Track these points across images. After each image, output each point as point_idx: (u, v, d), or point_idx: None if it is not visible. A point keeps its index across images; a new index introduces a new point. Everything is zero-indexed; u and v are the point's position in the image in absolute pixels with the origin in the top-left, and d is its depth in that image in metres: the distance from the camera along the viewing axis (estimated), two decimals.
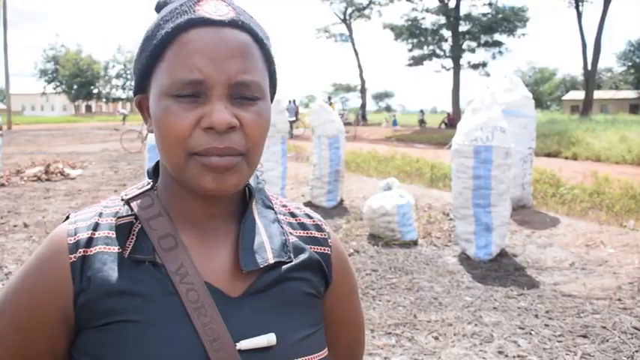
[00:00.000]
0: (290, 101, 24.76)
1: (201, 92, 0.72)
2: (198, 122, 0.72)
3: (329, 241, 0.90)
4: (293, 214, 0.90)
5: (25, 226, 6.77)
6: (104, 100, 73.88)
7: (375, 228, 6.12)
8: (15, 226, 6.78)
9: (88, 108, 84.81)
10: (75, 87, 66.34)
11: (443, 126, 33.33)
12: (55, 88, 68.62)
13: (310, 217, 0.91)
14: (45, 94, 70.14)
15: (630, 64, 55.32)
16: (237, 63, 0.72)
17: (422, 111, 38.85)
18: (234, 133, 0.72)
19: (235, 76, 0.72)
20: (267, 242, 0.81)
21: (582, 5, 34.92)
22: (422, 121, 36.03)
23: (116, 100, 74.05)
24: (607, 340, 3.58)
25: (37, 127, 37.10)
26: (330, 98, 37.28)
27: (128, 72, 71.66)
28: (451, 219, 6.52)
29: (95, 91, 69.75)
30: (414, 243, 5.95)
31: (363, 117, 41.72)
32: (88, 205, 0.84)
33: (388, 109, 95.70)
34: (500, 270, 5.07)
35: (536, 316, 4.00)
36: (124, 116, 40.85)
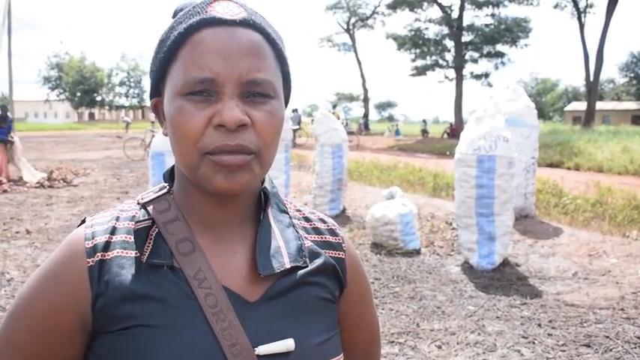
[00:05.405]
0: (293, 110, 24.83)
1: (212, 91, 0.72)
2: (210, 120, 0.71)
3: (343, 245, 0.89)
4: (307, 219, 0.90)
5: (28, 232, 6.79)
6: (107, 107, 73.97)
7: (378, 237, 6.12)
8: (17, 232, 6.80)
9: (91, 115, 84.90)
10: (78, 94, 66.44)
11: (445, 136, 33.29)
12: (58, 96, 68.78)
13: (324, 221, 0.91)
14: (48, 101, 70.22)
15: (632, 75, 55.36)
16: (249, 61, 0.72)
17: (424, 121, 38.75)
18: (246, 131, 0.72)
19: (247, 74, 0.72)
20: (283, 247, 0.81)
21: (584, 16, 35.00)
22: (424, 131, 35.95)
23: (119, 107, 74.10)
24: (610, 350, 3.58)
25: (41, 134, 37.24)
26: (334, 107, 37.31)
27: (131, 79, 71.91)
28: (454, 228, 6.52)
29: (98, 98, 69.87)
30: (417, 252, 5.95)
31: (366, 126, 41.71)
32: (105, 210, 0.84)
33: (391, 118, 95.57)
34: (503, 279, 5.07)
35: (539, 325, 4.00)
36: (127, 124, 41.07)
